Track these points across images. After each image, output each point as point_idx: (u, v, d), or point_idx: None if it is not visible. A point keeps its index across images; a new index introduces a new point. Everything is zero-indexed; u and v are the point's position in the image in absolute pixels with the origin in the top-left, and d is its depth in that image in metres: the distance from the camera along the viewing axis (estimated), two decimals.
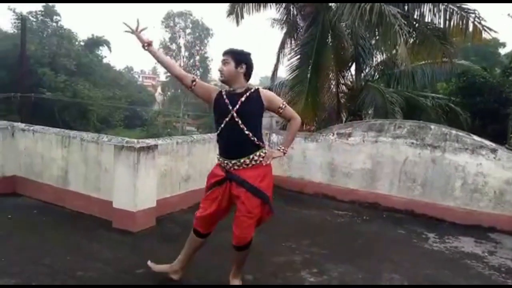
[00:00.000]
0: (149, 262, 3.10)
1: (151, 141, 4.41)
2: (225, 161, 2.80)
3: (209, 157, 5.40)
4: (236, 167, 2.76)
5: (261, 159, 2.78)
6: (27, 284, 2.94)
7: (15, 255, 3.42)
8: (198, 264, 3.27)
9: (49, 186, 4.93)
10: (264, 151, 2.82)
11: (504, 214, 4.85)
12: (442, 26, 7.79)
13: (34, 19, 29.25)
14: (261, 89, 2.82)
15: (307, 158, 6.15)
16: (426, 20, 8.17)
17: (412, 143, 5.33)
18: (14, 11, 27.54)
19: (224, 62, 2.77)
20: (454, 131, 5.21)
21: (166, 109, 45.33)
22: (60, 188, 4.83)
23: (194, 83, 2.85)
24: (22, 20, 18.30)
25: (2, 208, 4.72)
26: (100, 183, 4.49)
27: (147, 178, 4.17)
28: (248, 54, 2.88)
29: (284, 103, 2.86)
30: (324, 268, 3.54)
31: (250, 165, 2.75)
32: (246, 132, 2.72)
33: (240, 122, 2.71)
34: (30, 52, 22.85)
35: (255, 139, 2.76)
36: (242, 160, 2.74)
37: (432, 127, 5.34)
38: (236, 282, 2.98)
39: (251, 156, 2.74)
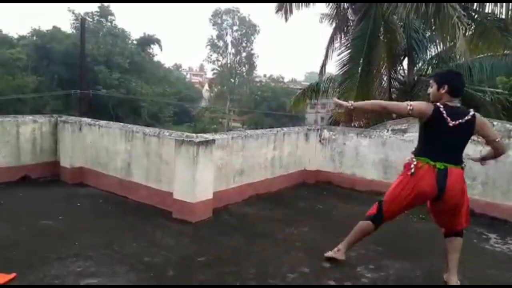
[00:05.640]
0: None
1: (209, 136, 4.58)
2: None
3: (262, 152, 5.52)
4: None
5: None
6: (100, 268, 3.18)
7: (87, 240, 3.69)
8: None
9: (113, 177, 5.25)
10: (410, 157, 3.12)
11: None
12: (504, 16, 7.38)
13: (91, 20, 30.86)
14: (477, 116, 2.99)
15: (360, 154, 6.08)
16: (486, 10, 7.78)
17: (473, 139, 5.11)
18: (73, 13, 29.27)
19: (430, 85, 3.11)
20: None
21: (213, 105, 46.21)
22: (123, 180, 5.13)
23: (410, 108, 3.00)
24: (82, 21, 19.36)
25: (72, 197, 5.09)
26: (161, 175, 4.73)
27: (205, 171, 4.34)
28: (449, 73, 3.41)
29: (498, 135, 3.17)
30: (380, 264, 3.53)
31: None
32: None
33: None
34: (87, 51, 24.15)
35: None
36: None
37: (495, 123, 5.10)
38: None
39: None
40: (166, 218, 4.37)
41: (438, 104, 2.96)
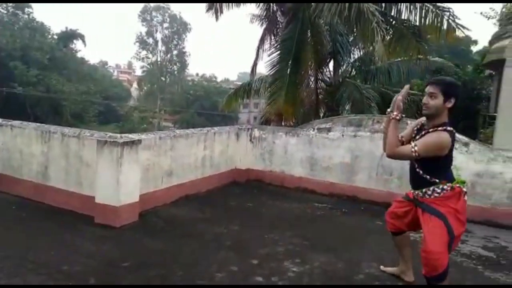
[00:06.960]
0: (381, 267, 3.44)
1: (134, 136, 4.41)
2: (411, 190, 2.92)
3: (192, 152, 5.44)
4: (419, 197, 2.81)
5: (436, 194, 2.70)
6: (11, 279, 2.91)
7: None
8: None
9: (28, 181, 4.85)
10: (442, 186, 2.69)
11: (475, 205, 5.04)
12: (417, 23, 8.00)
13: (5, 11, 28.32)
14: (437, 131, 2.61)
15: (288, 152, 6.24)
16: (402, 17, 8.37)
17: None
18: None
19: (431, 96, 2.61)
20: None
21: (142, 105, 44.74)
22: (39, 184, 4.76)
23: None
24: None
25: None
26: (82, 178, 4.45)
27: (130, 173, 4.16)
28: (458, 86, 2.77)
29: (415, 148, 2.60)
30: (306, 258, 3.64)
31: (432, 197, 2.72)
32: (417, 170, 2.74)
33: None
34: (1, 45, 22.16)
35: (428, 177, 2.70)
36: (423, 191, 2.76)
37: (409, 122, 5.49)
38: None
39: (423, 190, 2.75)
40: (87, 224, 4.12)
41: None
